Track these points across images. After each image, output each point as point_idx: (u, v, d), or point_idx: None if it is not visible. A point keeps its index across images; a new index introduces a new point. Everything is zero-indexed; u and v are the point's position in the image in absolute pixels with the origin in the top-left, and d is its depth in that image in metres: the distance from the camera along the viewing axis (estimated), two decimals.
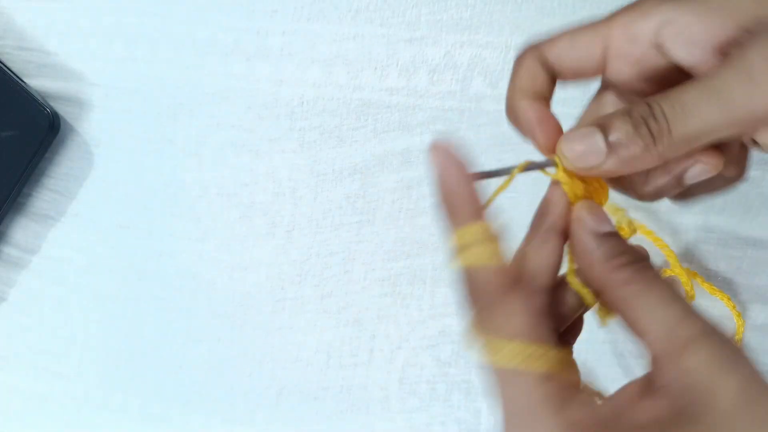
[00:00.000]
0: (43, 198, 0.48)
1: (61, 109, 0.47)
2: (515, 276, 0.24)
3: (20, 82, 0.46)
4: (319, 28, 0.45)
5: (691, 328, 0.21)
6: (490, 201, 0.25)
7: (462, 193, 0.24)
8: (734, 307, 0.41)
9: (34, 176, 0.47)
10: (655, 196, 0.28)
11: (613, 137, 0.24)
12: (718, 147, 0.26)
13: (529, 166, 0.27)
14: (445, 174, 0.24)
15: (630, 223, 0.26)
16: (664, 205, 0.42)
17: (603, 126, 0.24)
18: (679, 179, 0.27)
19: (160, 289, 0.48)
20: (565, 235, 0.26)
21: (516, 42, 0.43)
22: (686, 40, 0.25)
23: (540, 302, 0.25)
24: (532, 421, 0.22)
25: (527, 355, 0.22)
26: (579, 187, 0.26)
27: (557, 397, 0.22)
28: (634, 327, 0.23)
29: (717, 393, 0.20)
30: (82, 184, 0.48)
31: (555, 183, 0.27)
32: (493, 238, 0.24)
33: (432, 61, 0.44)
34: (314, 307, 0.46)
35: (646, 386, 0.22)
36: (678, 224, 0.42)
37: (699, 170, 0.26)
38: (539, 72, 0.27)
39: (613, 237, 0.25)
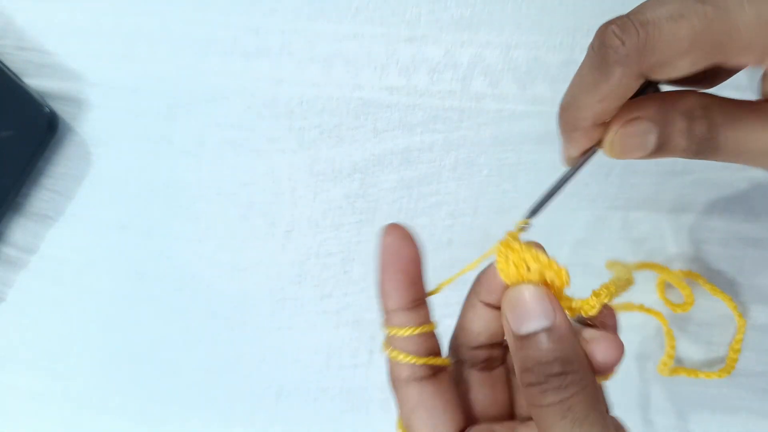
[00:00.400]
0: (42, 198, 0.48)
1: (59, 108, 0.47)
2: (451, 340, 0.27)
3: (19, 81, 0.46)
4: (318, 27, 0.44)
5: None
6: (435, 291, 0.27)
7: (401, 282, 0.26)
8: (735, 307, 0.41)
9: (32, 176, 0.47)
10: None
11: (665, 143, 0.24)
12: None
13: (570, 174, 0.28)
14: (387, 260, 0.26)
15: (595, 302, 0.25)
16: (665, 205, 0.42)
17: (661, 127, 0.24)
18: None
19: (159, 289, 0.48)
20: (496, 305, 0.26)
21: (517, 41, 0.43)
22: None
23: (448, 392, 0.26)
24: None
25: None
26: (520, 275, 0.25)
27: None
28: None
29: None
30: (81, 184, 0.48)
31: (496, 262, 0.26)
32: (420, 336, 0.26)
33: (432, 61, 0.44)
34: (314, 308, 0.46)
35: None
36: (679, 224, 0.42)
37: None
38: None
39: (532, 342, 0.23)
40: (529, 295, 0.24)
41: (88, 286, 0.48)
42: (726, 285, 0.42)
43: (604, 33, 0.23)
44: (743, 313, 0.42)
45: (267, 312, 0.47)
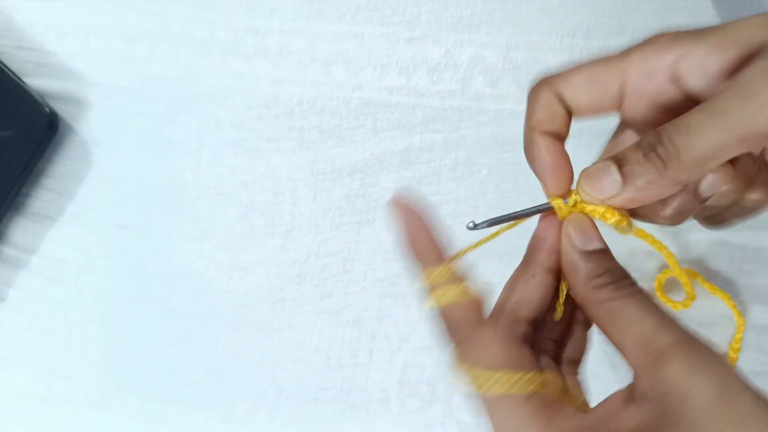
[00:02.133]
0: (42, 198, 0.48)
1: (59, 108, 0.47)
2: (497, 308, 0.27)
3: (19, 81, 0.46)
4: (318, 27, 0.44)
5: (665, 338, 0.23)
6: (463, 253, 0.28)
7: (426, 240, 0.27)
8: (735, 306, 0.41)
9: (32, 176, 0.47)
10: (678, 217, 0.29)
11: (626, 168, 0.25)
12: (732, 161, 0.27)
13: (533, 211, 0.29)
14: (408, 224, 0.27)
15: (628, 224, 0.27)
16: None
17: (617, 159, 0.25)
18: (696, 194, 0.27)
19: (158, 288, 0.48)
20: (555, 270, 0.28)
21: (516, 41, 0.43)
22: (702, 71, 0.25)
23: (518, 331, 0.26)
24: None
25: (507, 381, 0.24)
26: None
27: (542, 412, 0.24)
28: (613, 341, 0.24)
29: (693, 396, 0.22)
30: (81, 184, 0.48)
31: (544, 217, 0.28)
32: (459, 278, 0.26)
33: (432, 60, 0.44)
34: (314, 308, 0.46)
35: (629, 395, 0.24)
36: (680, 225, 0.42)
37: (712, 180, 0.27)
38: (556, 108, 0.28)
39: (597, 255, 0.26)
40: (588, 222, 0.27)
41: (88, 286, 0.48)
42: (725, 284, 0.42)
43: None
44: (742, 313, 0.42)
45: (267, 312, 0.47)
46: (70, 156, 0.48)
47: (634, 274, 0.26)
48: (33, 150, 0.46)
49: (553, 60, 0.42)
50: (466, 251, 0.28)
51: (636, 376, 0.23)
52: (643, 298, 0.24)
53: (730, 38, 0.25)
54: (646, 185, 0.25)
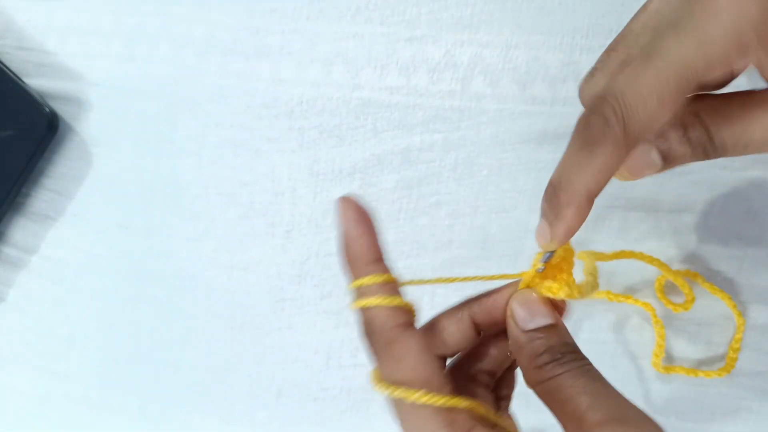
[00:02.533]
0: (42, 198, 0.48)
1: (59, 108, 0.47)
2: (427, 324, 0.28)
3: (19, 81, 0.46)
4: (318, 27, 0.44)
5: (595, 415, 0.23)
6: (405, 283, 0.28)
7: (364, 244, 0.27)
8: (735, 306, 0.41)
9: (32, 176, 0.47)
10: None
11: (670, 156, 0.26)
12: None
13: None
14: (349, 225, 0.27)
15: (579, 292, 0.28)
16: (665, 205, 0.42)
17: (658, 142, 0.26)
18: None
19: (158, 289, 0.48)
20: (481, 325, 0.29)
21: (517, 41, 0.43)
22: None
23: (439, 351, 0.27)
24: None
25: (420, 393, 0.24)
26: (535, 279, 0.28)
27: (454, 426, 0.24)
28: (556, 418, 0.25)
29: None
30: (81, 184, 0.48)
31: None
32: (390, 286, 0.26)
33: (432, 60, 0.44)
34: (314, 308, 0.46)
35: None
36: (679, 224, 0.42)
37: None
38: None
39: (542, 333, 0.26)
40: (536, 297, 0.28)
41: (89, 286, 0.48)
42: (725, 284, 0.42)
43: (587, 115, 0.25)
44: (742, 313, 0.42)
45: (267, 312, 0.47)
46: (70, 156, 0.48)
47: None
48: (33, 150, 0.46)
49: (553, 60, 0.42)
50: (409, 282, 0.28)
51: None
52: (580, 374, 0.25)
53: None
54: (683, 163, 0.25)
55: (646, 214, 0.43)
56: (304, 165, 0.45)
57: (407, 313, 0.27)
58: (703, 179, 0.42)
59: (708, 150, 0.25)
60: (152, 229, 0.47)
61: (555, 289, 0.27)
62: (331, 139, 0.45)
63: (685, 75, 0.23)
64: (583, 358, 0.26)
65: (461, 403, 0.25)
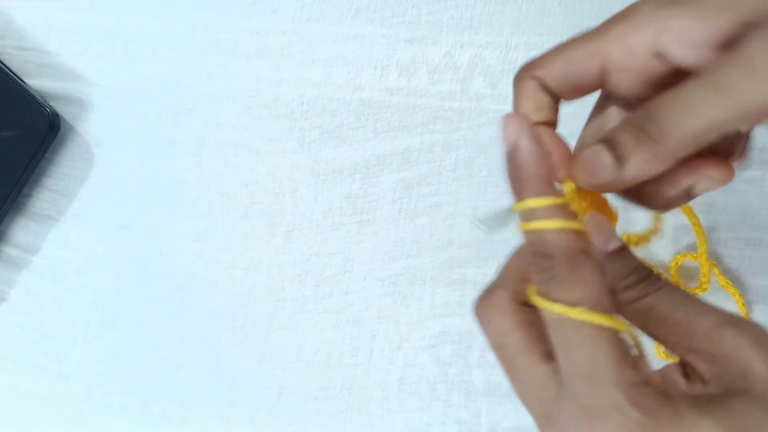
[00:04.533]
0: (44, 198, 0.48)
1: (61, 109, 0.47)
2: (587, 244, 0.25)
3: (20, 82, 0.46)
4: (319, 28, 0.45)
5: (707, 321, 0.23)
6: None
7: (533, 167, 0.25)
8: (744, 305, 0.41)
9: (34, 176, 0.47)
10: (666, 207, 0.28)
11: (618, 150, 0.24)
12: (727, 155, 0.26)
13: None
14: (516, 146, 0.25)
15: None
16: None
17: (608, 141, 0.24)
18: (689, 192, 0.27)
19: (160, 288, 0.48)
20: None
21: (516, 42, 0.43)
22: (687, 43, 0.24)
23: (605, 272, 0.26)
24: (603, 377, 0.22)
25: (603, 317, 0.23)
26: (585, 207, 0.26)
27: (628, 359, 0.22)
28: (654, 336, 0.24)
29: (757, 368, 0.22)
30: (83, 184, 0.48)
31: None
32: (566, 207, 0.24)
33: (432, 61, 0.44)
34: (314, 307, 0.46)
35: (687, 376, 0.24)
36: (679, 225, 0.42)
37: (707, 184, 0.26)
38: (541, 96, 0.27)
39: (620, 255, 0.25)
40: (606, 218, 0.26)
41: (90, 286, 0.48)
42: (726, 285, 0.42)
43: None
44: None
45: (268, 311, 0.47)
46: (71, 156, 0.48)
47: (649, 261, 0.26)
48: (34, 150, 0.46)
49: None
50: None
51: (687, 363, 0.24)
52: (674, 289, 0.25)
53: (718, 7, 0.23)
54: (640, 166, 0.24)
55: (645, 214, 0.43)
56: (304, 165, 0.46)
57: (587, 239, 0.25)
58: None
59: (649, 127, 0.23)
60: (153, 229, 0.47)
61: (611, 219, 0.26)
62: (331, 139, 0.45)
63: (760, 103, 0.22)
64: (665, 277, 0.25)
65: (634, 336, 0.24)
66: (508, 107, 0.43)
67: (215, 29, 0.46)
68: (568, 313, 0.23)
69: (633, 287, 0.25)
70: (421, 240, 0.45)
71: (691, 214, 0.39)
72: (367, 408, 0.46)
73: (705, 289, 0.41)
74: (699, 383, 0.23)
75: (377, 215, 0.45)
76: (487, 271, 0.44)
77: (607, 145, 0.24)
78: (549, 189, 0.25)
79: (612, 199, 0.28)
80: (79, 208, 0.48)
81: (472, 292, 0.44)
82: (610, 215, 0.27)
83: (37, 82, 0.47)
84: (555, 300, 0.23)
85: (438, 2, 0.43)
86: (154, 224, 0.47)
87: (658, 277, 0.25)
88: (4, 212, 0.47)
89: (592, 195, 0.26)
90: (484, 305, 0.26)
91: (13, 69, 0.47)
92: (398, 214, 0.45)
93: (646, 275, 0.25)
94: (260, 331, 0.47)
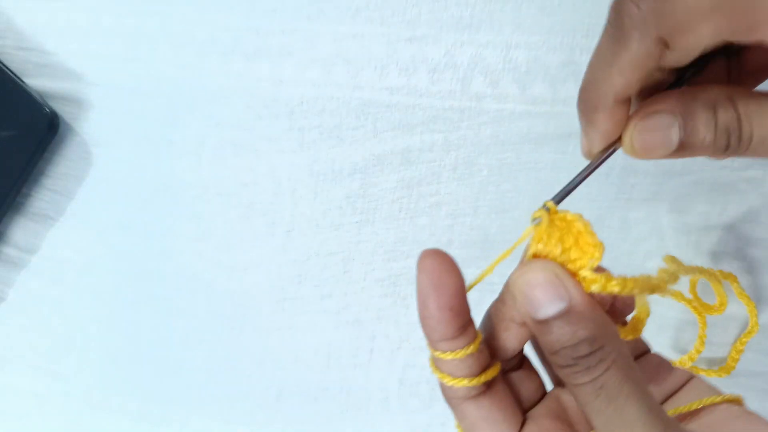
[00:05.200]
0: (43, 198, 0.48)
1: (60, 108, 0.47)
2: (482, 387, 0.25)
3: (19, 81, 0.46)
4: (318, 28, 0.44)
5: None
6: (468, 287, 0.25)
7: (439, 319, 0.23)
8: (756, 314, 0.41)
9: (33, 176, 0.47)
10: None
11: (691, 134, 0.22)
12: None
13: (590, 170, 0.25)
14: (425, 292, 0.23)
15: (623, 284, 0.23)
16: (665, 205, 0.42)
17: (685, 119, 0.23)
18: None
19: (159, 289, 0.48)
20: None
21: (516, 41, 0.43)
22: None
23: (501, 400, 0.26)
24: None
25: None
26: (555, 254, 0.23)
27: None
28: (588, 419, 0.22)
29: None
30: (81, 184, 0.48)
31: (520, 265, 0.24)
32: (467, 351, 0.24)
33: (432, 61, 0.44)
34: (314, 308, 0.46)
35: None
36: (680, 225, 0.42)
37: None
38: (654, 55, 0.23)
39: (552, 327, 0.22)
40: (538, 279, 0.22)
41: (89, 286, 0.48)
42: (725, 285, 0.42)
43: (619, 2, 0.22)
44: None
45: (267, 312, 0.47)
46: (70, 156, 0.48)
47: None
48: (33, 150, 0.46)
49: (553, 60, 0.42)
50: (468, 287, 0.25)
51: None
52: (592, 392, 0.21)
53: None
54: (697, 152, 0.23)
55: (646, 214, 0.43)
56: (304, 165, 0.45)
57: (482, 382, 0.24)
58: (703, 179, 0.42)
59: (731, 139, 0.22)
60: (153, 229, 0.47)
61: (579, 262, 0.22)
62: (331, 139, 0.45)
63: (751, 6, 0.20)
64: (604, 355, 0.21)
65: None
66: (509, 106, 0.43)
67: (215, 29, 0.46)
68: None
69: (559, 369, 0.22)
70: (421, 240, 0.45)
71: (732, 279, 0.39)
72: (367, 409, 0.46)
73: (721, 311, 0.41)
74: None
75: (377, 215, 0.45)
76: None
77: (680, 123, 0.23)
78: (446, 345, 0.24)
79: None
80: (78, 208, 0.48)
81: (473, 293, 0.44)
82: (588, 245, 0.23)
83: (36, 81, 0.47)
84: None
85: (438, 1, 0.43)
86: (153, 224, 0.47)
87: (587, 366, 0.21)
88: (3, 212, 0.47)
89: (568, 222, 0.23)
90: None
91: (13, 69, 0.47)
92: (398, 214, 0.45)
93: (572, 363, 0.22)
94: (260, 331, 0.47)
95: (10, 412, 0.50)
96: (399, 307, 0.45)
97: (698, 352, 0.41)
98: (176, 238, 0.47)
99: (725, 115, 0.22)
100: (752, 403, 0.43)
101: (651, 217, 0.43)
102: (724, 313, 0.42)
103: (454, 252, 0.47)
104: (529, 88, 0.42)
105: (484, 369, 0.25)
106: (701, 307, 0.41)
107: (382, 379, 0.46)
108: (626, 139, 0.24)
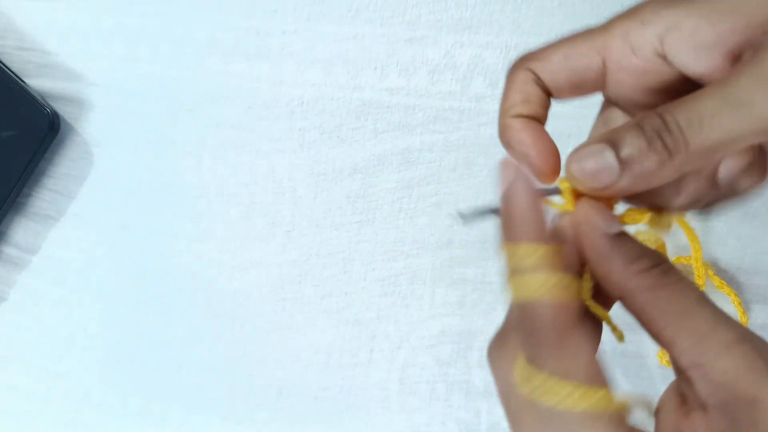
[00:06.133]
0: (43, 198, 0.48)
1: (61, 109, 0.47)
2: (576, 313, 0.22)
3: (20, 82, 0.46)
4: (319, 28, 0.45)
5: (724, 334, 0.21)
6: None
7: (528, 211, 0.23)
8: (740, 304, 0.41)
9: (34, 176, 0.47)
10: (690, 206, 0.26)
11: (625, 153, 0.22)
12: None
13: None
14: (512, 189, 0.23)
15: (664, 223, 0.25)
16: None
17: (613, 141, 0.22)
18: (712, 180, 0.25)
19: (159, 288, 0.48)
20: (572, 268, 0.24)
21: (516, 42, 0.43)
22: (693, 46, 0.23)
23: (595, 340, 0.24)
24: None
25: (598, 400, 0.20)
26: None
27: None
28: (659, 337, 0.22)
29: (764, 404, 0.19)
30: (82, 184, 0.48)
31: (561, 216, 0.25)
32: (554, 264, 0.22)
33: (432, 61, 0.44)
34: (314, 307, 0.46)
35: (681, 401, 0.22)
36: (678, 226, 0.42)
37: (732, 163, 0.24)
38: (532, 89, 0.25)
39: (628, 238, 0.23)
40: (602, 205, 0.24)
41: (90, 286, 0.48)
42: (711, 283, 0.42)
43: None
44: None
45: (267, 311, 0.47)
46: (71, 156, 0.48)
47: None
48: (34, 150, 0.46)
49: None
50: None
51: (689, 378, 0.21)
52: (694, 287, 0.22)
53: (730, 11, 0.22)
54: (644, 174, 0.22)
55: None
56: (304, 165, 0.46)
57: (574, 304, 0.22)
58: None
59: (665, 138, 0.22)
60: (153, 229, 0.47)
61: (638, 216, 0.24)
62: (331, 139, 0.45)
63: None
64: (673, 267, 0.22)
65: (626, 410, 0.21)
66: None
67: (215, 29, 0.46)
68: (562, 406, 0.20)
69: (645, 273, 0.22)
70: (421, 240, 0.45)
71: (682, 222, 0.39)
72: (367, 408, 0.46)
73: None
74: (699, 410, 0.21)
75: (377, 215, 0.45)
76: (487, 271, 0.44)
77: (612, 145, 0.22)
78: (541, 238, 0.22)
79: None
80: (78, 208, 0.48)
81: (472, 292, 0.44)
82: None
83: (37, 82, 0.47)
84: (543, 369, 0.21)
85: (438, 2, 0.43)
86: (153, 224, 0.47)
87: (672, 268, 0.22)
88: (3, 212, 0.47)
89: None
90: (497, 353, 0.24)
91: (13, 69, 0.47)
92: (398, 214, 0.45)
93: (659, 261, 0.22)
94: (260, 331, 0.47)
95: (10, 412, 0.50)
96: (399, 307, 0.45)
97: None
98: (177, 238, 0.47)
99: (650, 121, 0.22)
100: None
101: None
102: (726, 310, 0.42)
103: (454, 252, 0.47)
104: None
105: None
106: None
107: (382, 378, 0.46)
108: (567, 174, 0.24)
